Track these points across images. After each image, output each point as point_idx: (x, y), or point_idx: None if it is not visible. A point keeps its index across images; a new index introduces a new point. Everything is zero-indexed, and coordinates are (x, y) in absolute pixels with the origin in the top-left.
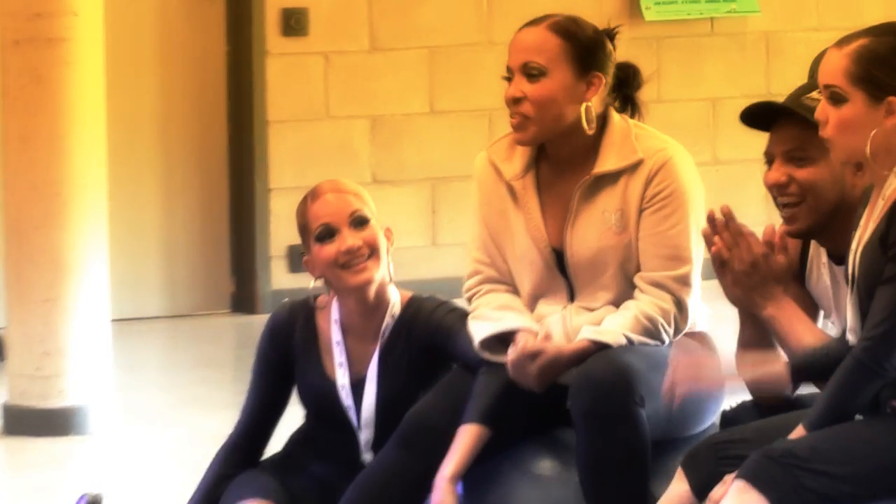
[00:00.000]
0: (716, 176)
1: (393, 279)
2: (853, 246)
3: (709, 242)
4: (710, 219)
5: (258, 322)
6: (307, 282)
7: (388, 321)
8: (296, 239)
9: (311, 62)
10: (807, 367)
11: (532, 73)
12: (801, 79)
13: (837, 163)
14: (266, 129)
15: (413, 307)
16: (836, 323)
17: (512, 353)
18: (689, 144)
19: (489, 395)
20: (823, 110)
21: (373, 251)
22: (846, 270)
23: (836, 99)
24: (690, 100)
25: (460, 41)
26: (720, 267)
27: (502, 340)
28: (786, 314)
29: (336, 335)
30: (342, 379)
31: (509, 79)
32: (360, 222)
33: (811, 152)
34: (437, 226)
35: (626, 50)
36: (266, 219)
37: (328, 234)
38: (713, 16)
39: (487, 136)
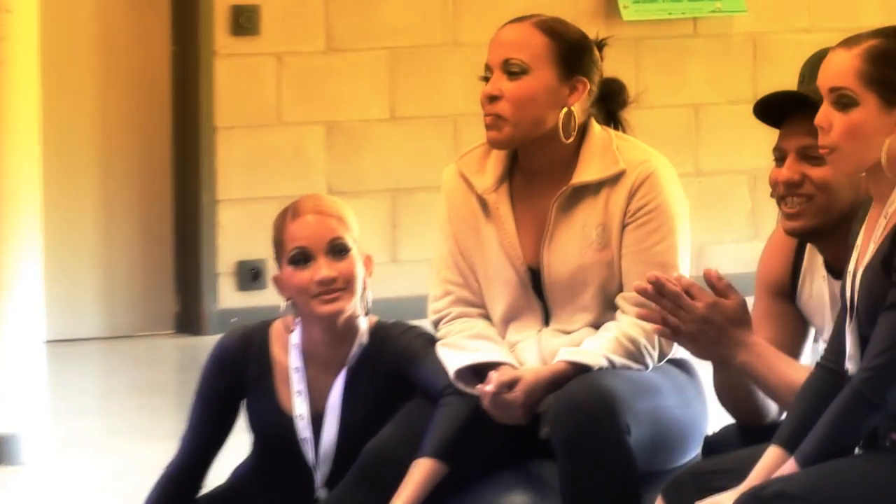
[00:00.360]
0: (698, 189)
1: (369, 309)
2: (850, 267)
3: (647, 318)
4: (642, 292)
5: (203, 344)
6: (257, 300)
7: (355, 350)
8: (245, 254)
9: (263, 64)
10: (799, 431)
11: (513, 70)
12: (791, 83)
13: (841, 174)
14: (213, 136)
15: (380, 334)
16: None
17: (488, 386)
18: (669, 154)
19: (447, 428)
20: (826, 116)
21: (348, 284)
22: (843, 293)
23: (845, 103)
24: (671, 106)
25: (423, 42)
26: (673, 335)
27: (475, 372)
28: (760, 357)
29: (295, 361)
30: (300, 409)
31: (487, 78)
32: (339, 251)
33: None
34: (398, 241)
35: (603, 52)
36: (213, 233)
37: (303, 258)
38: (696, 15)
39: (452, 144)
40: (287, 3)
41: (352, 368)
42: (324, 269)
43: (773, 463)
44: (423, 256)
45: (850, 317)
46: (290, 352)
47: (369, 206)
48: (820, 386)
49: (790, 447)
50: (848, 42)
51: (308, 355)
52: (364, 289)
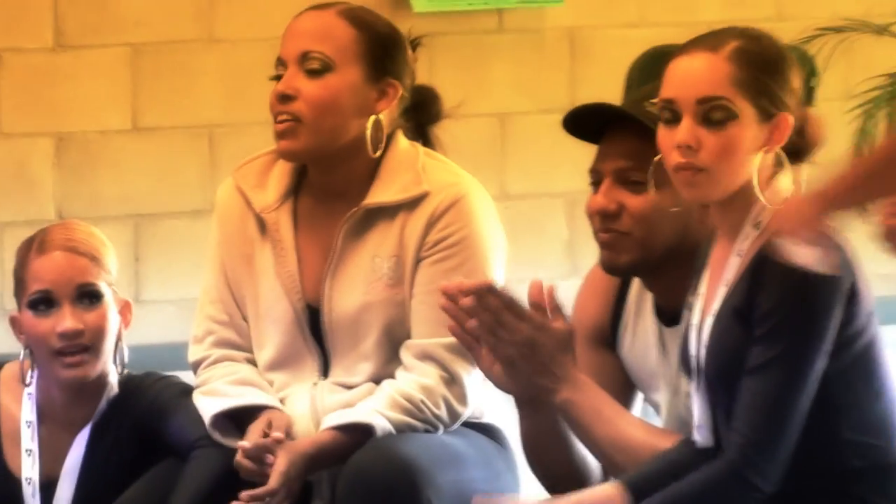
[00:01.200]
0: (504, 214)
1: (125, 365)
2: (694, 320)
3: (457, 334)
4: (452, 296)
5: None
6: None
7: (101, 406)
8: None
9: None
10: (649, 485)
11: (313, 66)
12: (615, 87)
13: (709, 199)
14: None
15: (129, 387)
16: (662, 408)
17: (247, 439)
18: (470, 173)
19: (196, 486)
20: (692, 132)
21: (96, 341)
22: (683, 347)
23: (721, 117)
24: (471, 115)
25: (172, 37)
26: (483, 359)
27: (236, 422)
28: (586, 398)
29: (28, 414)
30: (29, 471)
31: (279, 77)
32: (90, 298)
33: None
34: (142, 277)
35: None
36: None
37: (45, 303)
38: (502, 6)
39: (208, 160)
40: None
41: (96, 426)
42: (68, 319)
43: (605, 497)
44: (173, 296)
45: (697, 377)
46: (23, 402)
47: (107, 234)
48: (680, 455)
49: (634, 492)
50: (706, 43)
51: (44, 410)
52: (119, 341)
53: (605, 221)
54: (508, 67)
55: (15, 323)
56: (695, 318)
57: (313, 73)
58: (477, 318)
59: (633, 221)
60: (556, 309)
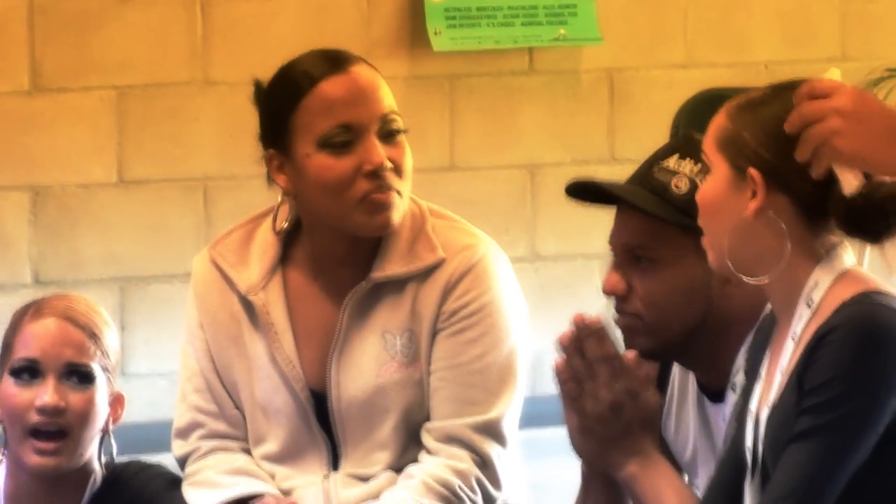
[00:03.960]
0: (535, 279)
1: (111, 460)
2: (752, 406)
3: (561, 372)
4: (565, 340)
5: None
6: None
7: (84, 501)
8: None
9: None
10: None
11: (395, 128)
12: (659, 136)
13: (714, 267)
14: None
15: (111, 478)
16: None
17: None
18: (496, 233)
19: None
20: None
21: (75, 427)
22: (743, 439)
23: (706, 170)
24: (498, 167)
25: (162, 79)
26: (569, 405)
27: None
28: (653, 475)
29: None
30: None
31: (340, 146)
32: (79, 377)
33: (657, 251)
34: (128, 348)
35: (405, 93)
36: None
37: (29, 372)
38: (533, 45)
39: (202, 216)
40: None
41: None
42: (50, 393)
43: None
44: (162, 369)
45: (752, 472)
46: None
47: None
48: None
49: None
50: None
51: (14, 502)
52: (105, 435)
53: (617, 303)
54: (540, 113)
55: None
56: (753, 405)
57: (393, 136)
58: (570, 362)
59: (642, 305)
60: (648, 380)
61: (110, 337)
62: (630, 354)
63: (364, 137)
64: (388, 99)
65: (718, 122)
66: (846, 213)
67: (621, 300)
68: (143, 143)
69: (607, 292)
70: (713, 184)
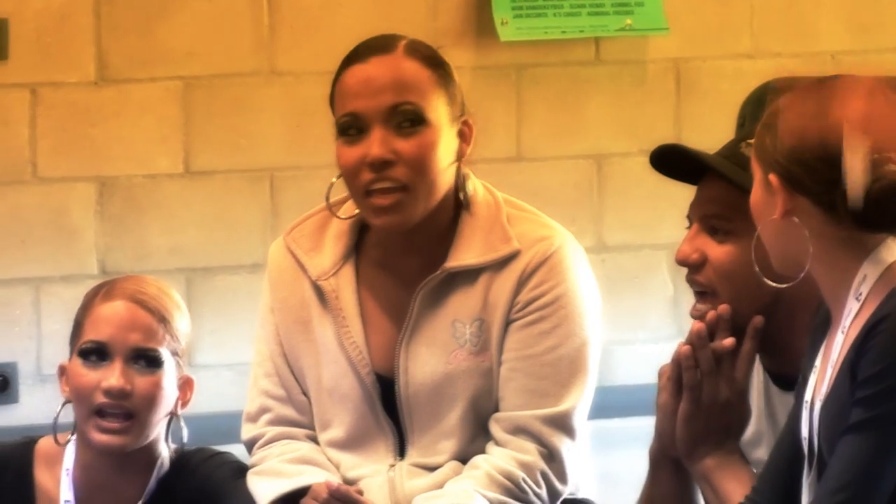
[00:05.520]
0: (602, 269)
1: (183, 444)
2: (807, 396)
3: (682, 359)
4: (700, 331)
5: None
6: (5, 418)
7: (151, 485)
8: None
9: (12, 98)
10: None
11: (408, 118)
12: (726, 126)
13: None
14: None
15: (179, 464)
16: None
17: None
18: (563, 224)
19: None
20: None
21: (142, 410)
22: (799, 429)
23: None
24: (565, 157)
25: (228, 69)
26: (676, 392)
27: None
28: (726, 473)
29: (66, 493)
30: None
31: (351, 135)
32: (147, 361)
33: (735, 222)
34: (194, 339)
35: (471, 83)
36: None
37: (97, 355)
38: (599, 35)
39: (269, 208)
40: (45, 17)
41: None
42: (116, 376)
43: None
44: (227, 360)
45: (809, 465)
46: (61, 480)
47: None
48: None
49: None
50: None
51: (85, 485)
52: (174, 418)
53: (690, 272)
54: (606, 103)
55: (62, 373)
56: (807, 395)
57: (406, 129)
58: (698, 354)
59: (714, 275)
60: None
61: (181, 321)
62: (728, 342)
63: (370, 128)
64: (405, 90)
65: (758, 127)
66: (853, 208)
67: (694, 270)
68: (209, 134)
69: (680, 261)
70: (754, 189)
